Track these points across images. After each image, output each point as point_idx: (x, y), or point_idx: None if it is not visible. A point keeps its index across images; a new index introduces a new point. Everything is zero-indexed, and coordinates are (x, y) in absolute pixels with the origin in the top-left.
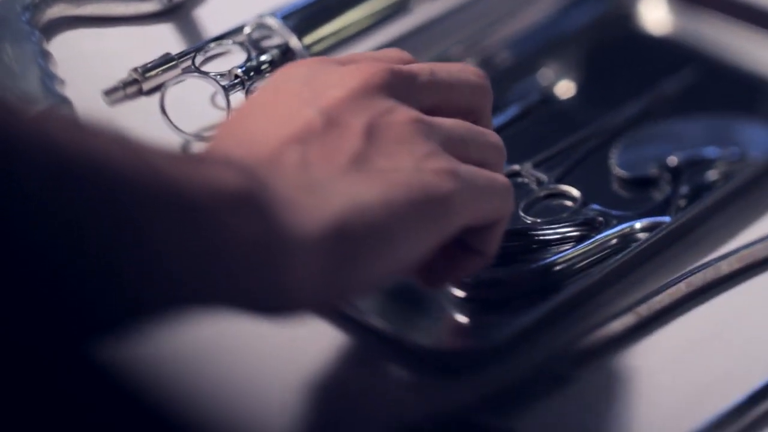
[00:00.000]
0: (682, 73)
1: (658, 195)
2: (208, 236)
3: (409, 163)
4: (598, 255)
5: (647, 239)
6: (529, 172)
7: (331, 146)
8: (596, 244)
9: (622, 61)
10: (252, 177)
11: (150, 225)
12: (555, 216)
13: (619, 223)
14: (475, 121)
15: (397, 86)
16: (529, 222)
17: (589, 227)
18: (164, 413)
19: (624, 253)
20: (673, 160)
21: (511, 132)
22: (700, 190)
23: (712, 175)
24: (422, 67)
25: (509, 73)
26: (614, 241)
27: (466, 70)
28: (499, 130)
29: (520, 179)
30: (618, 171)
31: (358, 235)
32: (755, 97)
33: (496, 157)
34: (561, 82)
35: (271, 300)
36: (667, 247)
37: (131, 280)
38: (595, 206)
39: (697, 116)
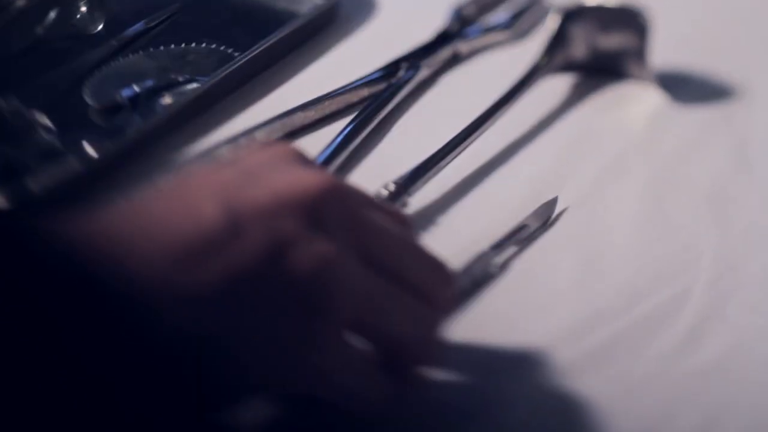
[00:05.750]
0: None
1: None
2: None
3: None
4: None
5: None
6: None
7: (224, 260)
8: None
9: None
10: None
11: None
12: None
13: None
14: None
15: (331, 207)
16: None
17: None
18: None
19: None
20: (135, 89)
21: None
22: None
23: (167, 98)
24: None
25: None
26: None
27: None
28: None
29: None
30: (90, 101)
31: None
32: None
33: (415, 330)
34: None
35: None
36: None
37: None
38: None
39: (165, 49)
